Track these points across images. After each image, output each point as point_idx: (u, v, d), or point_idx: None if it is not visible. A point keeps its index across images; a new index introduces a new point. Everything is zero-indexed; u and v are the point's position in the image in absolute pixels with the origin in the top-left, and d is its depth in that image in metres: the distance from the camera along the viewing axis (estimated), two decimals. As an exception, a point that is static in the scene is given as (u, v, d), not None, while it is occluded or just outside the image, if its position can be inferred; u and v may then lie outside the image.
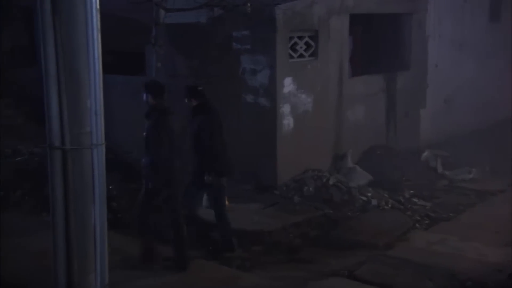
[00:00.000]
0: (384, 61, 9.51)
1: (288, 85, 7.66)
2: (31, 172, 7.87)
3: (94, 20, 2.88)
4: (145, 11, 7.54)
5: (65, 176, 3.06)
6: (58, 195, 3.08)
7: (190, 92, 5.90)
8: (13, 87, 10.56)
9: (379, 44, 9.66)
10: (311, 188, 7.61)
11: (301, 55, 7.89)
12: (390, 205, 7.49)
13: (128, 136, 8.29)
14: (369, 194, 7.64)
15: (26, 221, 6.80)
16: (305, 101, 7.94)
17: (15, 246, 5.96)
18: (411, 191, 8.09)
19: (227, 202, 5.98)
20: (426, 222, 7.11)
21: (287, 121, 7.74)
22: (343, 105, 8.52)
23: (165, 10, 7.06)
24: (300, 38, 7.82)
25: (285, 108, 7.68)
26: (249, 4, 6.77)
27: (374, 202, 7.46)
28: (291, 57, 7.74)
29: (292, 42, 7.71)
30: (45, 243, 5.56)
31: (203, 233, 6.42)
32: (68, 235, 3.08)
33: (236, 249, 5.87)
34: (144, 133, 5.49)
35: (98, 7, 2.89)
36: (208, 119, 5.82)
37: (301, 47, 7.85)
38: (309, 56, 7.99)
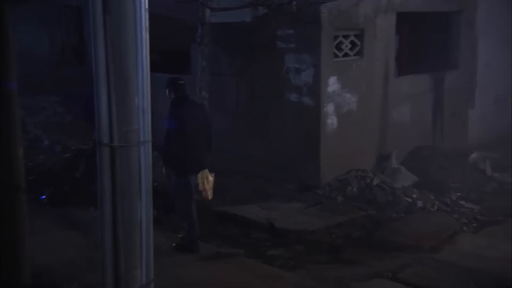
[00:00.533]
0: (431, 60, 9.32)
1: (332, 84, 7.60)
2: (78, 168, 8.07)
3: (143, 19, 2.92)
4: (191, 11, 7.63)
5: (113, 172, 3.11)
6: (106, 191, 3.13)
7: (169, 84, 5.79)
8: (63, 85, 10.86)
9: (427, 43, 9.47)
10: (354, 188, 7.53)
11: (346, 54, 7.81)
12: (436, 207, 7.33)
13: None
14: (415, 196, 7.49)
15: (74, 215, 6.99)
16: (349, 100, 7.87)
17: (64, 239, 6.15)
18: (458, 194, 7.89)
19: (208, 196, 5.90)
20: (474, 225, 6.93)
21: (331, 121, 7.69)
22: (389, 104, 8.40)
23: (210, 10, 7.13)
24: (345, 37, 7.75)
25: (329, 107, 7.63)
26: (294, 3, 6.75)
27: (419, 203, 7.32)
28: (336, 56, 7.68)
29: (337, 41, 7.65)
30: (91, 237, 5.75)
31: (245, 232, 6.46)
32: (115, 230, 3.13)
33: (198, 250, 5.71)
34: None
35: (146, 7, 2.94)
36: (181, 113, 5.66)
37: (346, 46, 7.78)
38: (355, 55, 7.91)
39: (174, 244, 5.87)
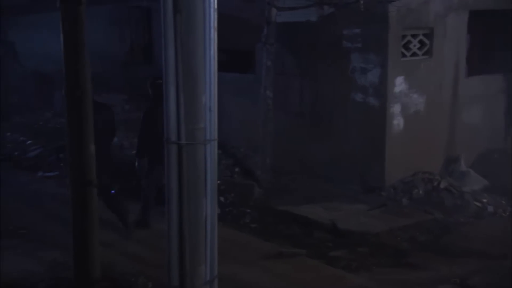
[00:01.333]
0: (504, 60, 8.93)
1: (399, 84, 7.44)
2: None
3: (212, 19, 2.96)
4: (257, 10, 7.67)
5: (180, 170, 3.16)
6: (173, 188, 3.19)
7: (149, 83, 6.28)
8: (131, 84, 11.18)
9: (499, 42, 9.08)
10: (420, 191, 7.35)
11: (414, 54, 7.62)
12: (508, 213, 7.04)
13: (236, 132, 8.50)
14: (485, 200, 7.22)
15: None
16: (417, 101, 7.67)
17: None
18: (532, 199, 7.54)
19: None
20: (548, 233, 6.59)
21: (397, 121, 7.52)
22: (458, 105, 8.13)
23: (277, 9, 7.14)
24: (414, 36, 7.56)
25: (396, 108, 7.47)
26: (361, 2, 6.65)
27: (490, 208, 7.05)
28: (404, 55, 7.51)
29: (405, 40, 7.47)
30: (156, 232, 5.88)
31: (307, 232, 6.43)
32: (181, 226, 3.19)
33: (149, 228, 6.25)
34: None
35: (215, 6, 2.97)
36: (154, 110, 6.06)
37: (414, 46, 7.58)
38: (423, 54, 7.70)
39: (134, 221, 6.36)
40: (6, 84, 13.02)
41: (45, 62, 12.25)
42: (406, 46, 7.51)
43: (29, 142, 9.68)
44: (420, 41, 7.64)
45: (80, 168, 4.71)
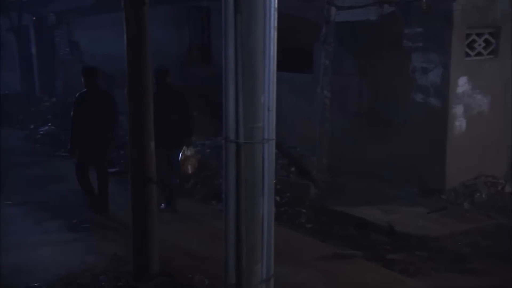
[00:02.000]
0: None
1: (462, 84, 7.21)
2: (203, 163, 8.40)
3: (272, 19, 2.97)
4: (316, 10, 7.63)
5: (237, 168, 3.18)
6: (231, 186, 3.22)
7: (154, 72, 6.48)
8: (189, 83, 11.35)
9: None
10: (483, 195, 7.10)
11: (479, 53, 7.36)
12: None
13: (292, 131, 8.49)
14: (552, 206, 6.90)
15: (197, 208, 7.29)
16: (480, 102, 7.42)
17: (188, 230, 6.43)
18: None
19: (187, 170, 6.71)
20: None
21: (459, 123, 7.30)
22: (525, 107, 7.79)
23: (336, 8, 7.07)
24: (478, 35, 7.30)
25: (458, 109, 7.25)
26: (424, 0, 6.49)
27: (557, 215, 6.72)
28: (467, 55, 7.27)
29: (470, 39, 7.23)
30: (212, 230, 5.96)
31: (363, 234, 6.34)
32: (239, 224, 3.21)
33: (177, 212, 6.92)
34: None
35: (276, 6, 2.98)
36: (157, 96, 6.27)
37: (479, 45, 7.33)
38: (488, 54, 7.43)
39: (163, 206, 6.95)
40: (71, 83, 13.52)
41: (106, 62, 12.64)
42: (470, 46, 7.27)
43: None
44: (486, 40, 7.38)
45: (140, 165, 4.84)
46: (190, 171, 6.82)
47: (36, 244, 5.96)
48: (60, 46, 14.28)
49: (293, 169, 8.26)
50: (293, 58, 8.73)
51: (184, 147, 6.73)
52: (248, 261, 3.21)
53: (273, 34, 3.04)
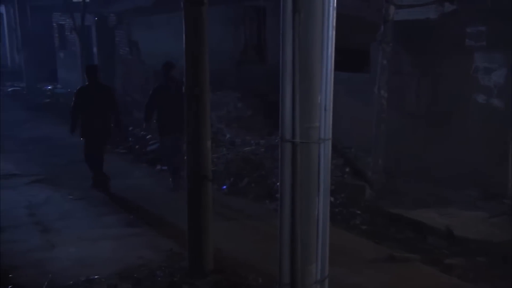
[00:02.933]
0: None
1: (527, 85, 6.93)
2: (257, 162, 8.44)
3: (331, 18, 2.94)
4: (374, 8, 7.51)
5: (293, 168, 3.17)
6: (286, 185, 3.21)
7: (162, 66, 8.09)
8: (243, 82, 11.43)
9: None
10: (548, 200, 6.80)
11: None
12: None
13: (347, 132, 8.39)
14: None
15: (250, 206, 7.33)
16: (546, 103, 7.10)
17: (241, 229, 6.48)
18: None
19: None
20: None
21: (523, 125, 7.02)
22: None
23: (395, 7, 6.94)
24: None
25: (523, 111, 6.97)
26: (489, -3, 6.28)
27: None
28: (534, 54, 6.97)
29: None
30: (265, 229, 5.98)
31: (420, 237, 6.20)
32: (293, 224, 3.20)
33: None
34: None
35: (335, 5, 2.95)
36: (163, 86, 7.90)
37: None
38: (555, 53, 7.10)
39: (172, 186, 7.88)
40: (130, 82, 13.87)
41: (164, 61, 12.87)
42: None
43: (148, 136, 10.23)
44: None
45: (196, 163, 4.91)
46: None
47: (95, 238, 6.16)
48: (120, 46, 14.66)
49: (347, 169, 8.16)
50: (349, 58, 8.63)
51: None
52: (302, 261, 3.20)
53: (332, 34, 3.01)
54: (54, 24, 17.67)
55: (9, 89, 18.08)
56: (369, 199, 7.28)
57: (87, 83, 8.04)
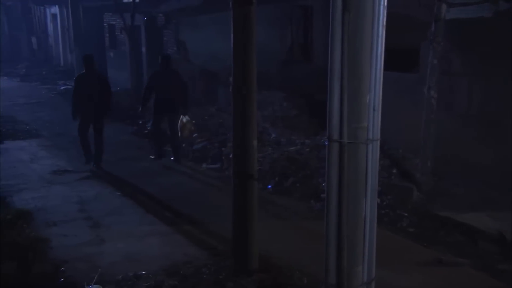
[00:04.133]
0: None
1: None
2: (302, 162, 8.40)
3: (381, 17, 2.90)
4: (424, 7, 7.36)
5: (340, 168, 3.14)
6: (333, 186, 3.19)
7: (160, 58, 9.60)
8: (289, 81, 11.40)
9: None
10: None
11: None
12: None
13: (394, 132, 8.24)
14: None
15: (295, 206, 7.31)
16: None
17: (285, 228, 6.46)
18: None
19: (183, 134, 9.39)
20: None
21: None
22: None
23: (447, 5, 6.78)
24: None
25: None
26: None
27: None
28: None
29: None
30: (310, 229, 5.95)
31: (470, 241, 6.04)
32: (340, 225, 3.17)
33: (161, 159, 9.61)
34: None
35: (385, 4, 2.90)
36: (158, 73, 9.48)
37: None
38: None
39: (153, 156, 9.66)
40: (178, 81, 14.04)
41: (210, 60, 13.00)
42: None
43: (195, 135, 10.34)
44: None
45: (243, 162, 4.93)
46: (186, 135, 9.36)
47: (142, 234, 6.28)
48: (167, 45, 14.88)
49: (394, 170, 8.03)
50: (397, 57, 8.48)
51: (182, 116, 9.18)
52: (349, 263, 3.17)
53: (382, 33, 2.97)
54: (105, 24, 18.09)
55: (62, 87, 18.61)
56: (416, 201, 7.14)
57: (83, 71, 9.03)
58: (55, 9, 21.95)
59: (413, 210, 6.91)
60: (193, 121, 9.64)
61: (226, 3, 4.75)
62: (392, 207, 6.95)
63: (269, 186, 7.94)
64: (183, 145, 9.87)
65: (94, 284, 4.83)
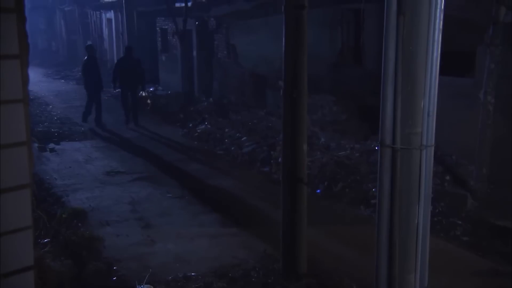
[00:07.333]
0: None
1: None
2: (352, 167, 8.30)
3: (437, 21, 2.83)
4: (481, 9, 7.15)
5: (393, 174, 3.09)
6: (385, 192, 3.14)
7: (125, 49, 13.36)
8: (339, 85, 11.30)
9: None
10: None
11: None
12: None
13: (448, 138, 8.03)
14: None
15: (344, 211, 7.23)
16: None
17: (334, 233, 6.40)
18: None
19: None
20: None
21: None
22: None
23: (506, 8, 6.57)
24: None
25: None
26: None
27: None
28: None
29: None
30: (359, 234, 5.87)
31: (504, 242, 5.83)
32: (392, 232, 3.12)
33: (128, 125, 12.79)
34: None
35: (442, 7, 2.84)
36: (123, 60, 12.91)
37: None
38: None
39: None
40: (227, 84, 14.18)
41: (260, 64, 13.05)
42: None
43: (244, 138, 10.39)
44: None
45: (292, 165, 4.92)
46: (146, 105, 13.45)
47: (192, 236, 6.36)
48: (218, 49, 15.04)
49: (448, 177, 7.82)
50: (452, 61, 8.27)
51: (141, 91, 13.17)
52: (401, 270, 3.11)
53: (438, 37, 2.91)
54: (158, 28, 18.45)
55: (116, 90, 19.08)
56: (471, 209, 6.93)
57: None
58: (110, 14, 22.54)
59: (467, 218, 6.71)
60: (151, 94, 14.55)
61: (276, 7, 4.76)
62: (445, 215, 6.77)
63: (318, 191, 7.89)
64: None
65: (145, 284, 4.92)
